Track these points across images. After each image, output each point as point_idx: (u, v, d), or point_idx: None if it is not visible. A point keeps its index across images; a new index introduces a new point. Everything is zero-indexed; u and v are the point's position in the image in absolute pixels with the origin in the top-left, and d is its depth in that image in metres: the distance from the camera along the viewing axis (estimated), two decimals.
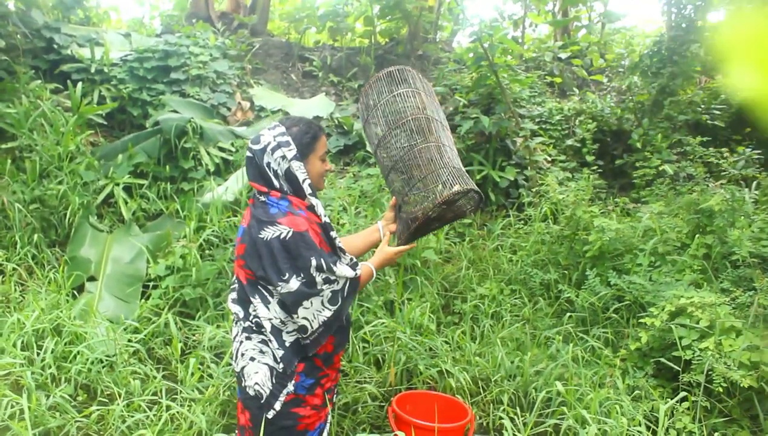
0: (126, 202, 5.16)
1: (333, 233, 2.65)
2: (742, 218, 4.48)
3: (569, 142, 6.86)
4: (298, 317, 2.47)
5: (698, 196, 4.86)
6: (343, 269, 2.52)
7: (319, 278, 2.46)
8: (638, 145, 6.62)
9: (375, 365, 3.91)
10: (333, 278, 2.49)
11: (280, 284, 2.45)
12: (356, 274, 2.56)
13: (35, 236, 4.66)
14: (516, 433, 3.00)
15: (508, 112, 6.24)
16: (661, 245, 4.49)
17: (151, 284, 4.63)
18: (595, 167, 6.08)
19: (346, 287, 2.55)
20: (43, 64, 6.33)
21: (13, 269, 4.41)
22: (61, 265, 4.52)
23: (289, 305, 2.46)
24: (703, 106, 6.97)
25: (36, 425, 3.13)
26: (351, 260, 2.63)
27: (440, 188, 2.57)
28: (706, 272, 4.28)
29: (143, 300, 4.46)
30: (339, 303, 2.53)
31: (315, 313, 2.48)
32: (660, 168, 5.99)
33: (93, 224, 5.00)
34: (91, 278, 4.59)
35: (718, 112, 6.90)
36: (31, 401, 3.14)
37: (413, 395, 3.31)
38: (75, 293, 4.43)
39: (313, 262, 2.44)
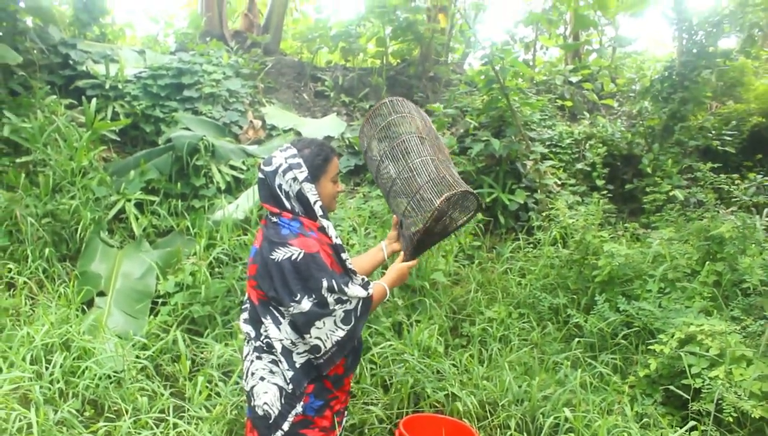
0: (137, 219, 5.19)
1: (344, 255, 2.66)
2: (753, 245, 4.46)
3: (579, 166, 6.87)
4: (311, 337, 2.48)
5: (708, 222, 4.85)
6: (355, 290, 2.53)
7: (330, 299, 2.47)
8: (648, 170, 6.61)
9: (382, 387, 3.90)
10: (345, 298, 2.50)
11: (291, 304, 2.46)
12: (368, 293, 2.56)
13: (47, 250, 4.69)
14: None
15: (519, 135, 6.26)
16: (671, 271, 4.48)
17: (160, 300, 4.64)
18: (605, 192, 6.08)
19: (359, 307, 2.55)
20: (59, 79, 6.40)
21: (24, 282, 4.43)
22: (72, 279, 4.54)
23: (302, 325, 2.47)
24: (714, 131, 6.96)
25: None
26: (363, 280, 2.63)
27: (436, 198, 2.67)
28: (716, 299, 4.26)
29: (152, 316, 4.47)
30: (352, 323, 2.54)
31: (328, 333, 2.48)
32: (670, 193, 5.99)
33: (104, 240, 5.03)
34: (101, 293, 4.61)
35: (729, 137, 6.89)
36: (39, 416, 3.15)
37: (420, 418, 3.29)
38: (84, 307, 4.45)
39: (324, 283, 2.45)
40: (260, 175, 2.61)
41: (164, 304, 4.57)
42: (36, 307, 4.28)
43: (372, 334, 4.13)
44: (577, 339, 4.32)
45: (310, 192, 2.56)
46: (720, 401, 3.36)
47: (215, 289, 4.45)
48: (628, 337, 4.26)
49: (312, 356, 2.56)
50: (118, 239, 5.21)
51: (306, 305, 2.45)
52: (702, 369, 3.59)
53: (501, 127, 6.45)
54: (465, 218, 2.94)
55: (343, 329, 2.52)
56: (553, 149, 7.00)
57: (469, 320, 4.75)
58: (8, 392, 3.40)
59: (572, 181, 6.55)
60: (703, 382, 3.51)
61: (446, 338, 4.50)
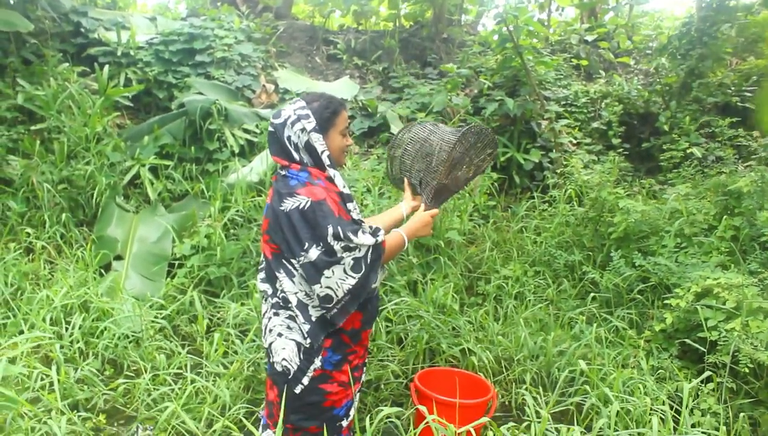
0: (152, 183, 5.22)
1: (351, 205, 2.64)
2: None
3: (595, 125, 6.79)
4: (321, 287, 2.47)
5: (726, 178, 4.79)
6: (363, 238, 2.50)
7: (337, 246, 2.45)
8: (665, 127, 6.52)
9: (398, 343, 3.92)
10: (353, 245, 2.48)
11: (301, 254, 2.46)
12: (377, 240, 2.54)
13: (63, 216, 4.73)
14: (538, 410, 2.99)
15: (533, 94, 6.19)
16: (687, 226, 4.44)
17: (176, 263, 4.68)
18: (620, 150, 6.01)
19: (369, 255, 2.53)
20: (71, 47, 6.39)
21: (42, 247, 4.48)
22: (89, 244, 4.58)
23: (311, 275, 2.47)
24: (733, 88, 6.84)
25: (65, 397, 3.19)
26: (372, 227, 2.61)
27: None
28: (733, 254, 4.21)
29: (169, 279, 4.51)
30: (363, 271, 2.52)
31: (338, 281, 2.48)
32: (688, 151, 5.91)
33: (120, 204, 5.06)
34: (118, 257, 4.66)
35: (749, 94, 6.76)
36: (60, 374, 3.20)
37: (435, 372, 3.31)
38: (102, 271, 4.50)
39: (330, 230, 2.43)
40: (270, 128, 2.61)
41: (180, 266, 4.60)
42: (54, 271, 4.32)
43: (387, 292, 4.14)
44: (592, 295, 4.30)
45: (318, 142, 2.55)
46: (736, 353, 3.34)
47: (230, 250, 4.47)
48: (644, 292, 4.24)
49: (324, 308, 2.56)
50: (133, 203, 5.24)
51: (314, 253, 2.45)
52: (718, 322, 3.56)
53: (515, 87, 6.38)
54: (488, 153, 2.93)
55: (354, 277, 2.51)
56: (569, 109, 6.92)
57: (484, 279, 4.75)
58: (29, 351, 3.45)
59: (588, 140, 6.49)
60: (719, 335, 3.49)
61: (461, 296, 4.50)
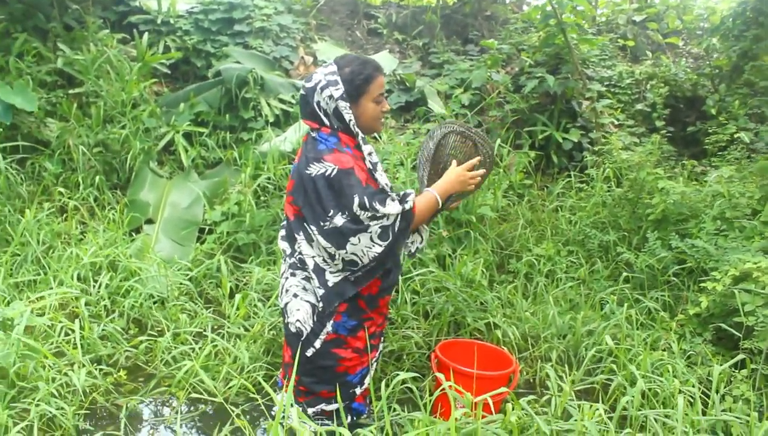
0: (186, 150, 5.24)
1: (378, 174, 2.59)
2: None
3: (639, 106, 6.60)
4: (347, 253, 2.44)
5: None
6: (390, 207, 2.45)
7: (363, 216, 2.42)
8: (713, 111, 6.31)
9: (423, 316, 3.87)
10: (379, 214, 2.44)
11: (327, 220, 2.43)
12: (405, 207, 2.48)
13: (97, 178, 4.78)
14: (560, 384, 2.91)
15: (575, 73, 6.04)
16: (729, 210, 4.28)
17: (206, 229, 4.70)
18: (663, 132, 5.83)
19: (397, 222, 2.48)
20: (112, 15, 6.44)
21: (75, 207, 4.52)
22: (121, 206, 4.62)
23: (337, 240, 2.43)
24: None
25: (88, 352, 3.22)
26: (401, 194, 2.55)
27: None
28: None
29: (198, 244, 4.53)
30: (390, 239, 2.47)
31: (364, 249, 2.43)
32: (735, 135, 5.71)
33: (153, 169, 5.10)
34: (149, 221, 4.69)
35: None
36: (84, 329, 3.23)
37: (458, 343, 3.25)
38: (133, 234, 4.54)
39: (356, 200, 2.39)
40: (302, 91, 2.58)
41: (210, 232, 4.62)
42: (86, 232, 4.37)
43: (415, 264, 4.09)
44: (624, 275, 4.18)
45: (345, 110, 2.50)
46: None
47: (260, 218, 4.47)
48: (679, 275, 4.11)
49: (348, 271, 2.53)
50: (167, 169, 5.27)
51: (339, 220, 2.41)
52: (756, 307, 3.43)
53: (557, 65, 6.22)
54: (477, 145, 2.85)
55: (381, 245, 2.47)
56: (612, 89, 6.74)
57: (515, 257, 4.66)
58: (57, 307, 3.49)
59: (630, 122, 6.31)
60: (756, 320, 3.36)
61: (491, 273, 4.42)
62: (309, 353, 2.62)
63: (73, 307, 3.60)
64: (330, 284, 2.54)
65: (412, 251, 2.82)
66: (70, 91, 5.33)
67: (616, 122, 6.30)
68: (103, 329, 3.39)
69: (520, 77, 6.37)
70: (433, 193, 2.63)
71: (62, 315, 3.43)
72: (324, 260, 2.53)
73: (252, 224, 4.44)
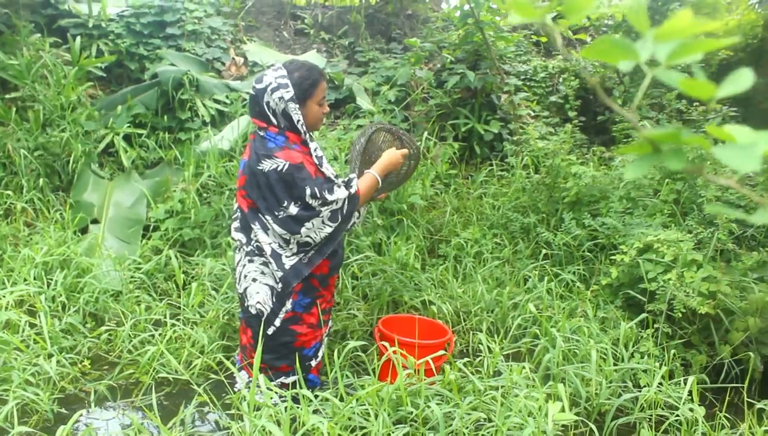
0: (126, 151, 5.38)
1: (325, 166, 2.91)
2: (709, 163, 4.73)
3: (553, 98, 7.09)
4: (301, 236, 2.76)
5: None
6: (337, 193, 2.78)
7: (315, 203, 2.73)
8: (619, 101, 6.84)
9: (363, 298, 4.19)
10: (329, 201, 2.76)
11: (280, 209, 2.73)
12: (351, 192, 2.82)
13: (40, 181, 4.88)
14: (490, 347, 3.28)
15: (493, 68, 6.46)
16: (634, 190, 4.76)
17: (151, 226, 4.87)
18: (575, 122, 6.32)
19: (345, 205, 2.81)
20: (41, 18, 6.46)
21: (22, 209, 4.63)
22: (67, 207, 4.75)
23: (292, 226, 2.74)
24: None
25: (52, 344, 3.40)
26: (345, 180, 2.89)
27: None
28: (675, 215, 4.56)
29: (144, 241, 4.71)
30: (339, 220, 2.81)
31: (317, 230, 2.77)
32: (639, 123, 6.23)
33: (95, 171, 5.23)
34: (95, 221, 4.83)
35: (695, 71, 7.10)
36: (46, 323, 3.41)
37: (398, 318, 3.59)
38: (79, 234, 4.67)
39: (308, 191, 2.71)
40: (251, 92, 2.84)
41: (155, 230, 4.80)
42: (33, 233, 4.49)
43: (353, 251, 4.40)
44: (544, 253, 4.61)
45: (294, 111, 2.78)
46: (671, 301, 3.68)
47: (204, 214, 4.68)
48: (593, 251, 4.56)
49: (302, 252, 2.84)
50: (108, 171, 5.40)
51: (293, 209, 2.72)
52: (657, 274, 3.90)
53: (476, 61, 6.63)
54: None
55: (331, 226, 2.81)
56: (528, 83, 7.20)
57: (445, 242, 5.03)
58: (14, 305, 3.64)
59: (546, 113, 6.78)
60: (657, 285, 3.82)
61: (423, 257, 4.78)
62: (270, 331, 2.91)
63: (29, 305, 3.75)
64: (287, 266, 2.84)
65: (349, 226, 3.16)
66: (6, 96, 5.39)
67: (533, 114, 6.76)
68: (63, 323, 3.57)
69: (442, 73, 6.75)
70: (373, 173, 2.98)
71: (21, 312, 3.58)
72: (280, 245, 2.83)
73: (197, 220, 4.65)
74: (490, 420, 2.68)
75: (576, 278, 4.39)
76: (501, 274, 4.58)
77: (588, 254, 4.56)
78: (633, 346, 3.64)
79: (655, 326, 3.75)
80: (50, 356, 3.19)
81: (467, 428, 2.56)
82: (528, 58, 7.67)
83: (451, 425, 2.62)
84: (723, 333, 3.86)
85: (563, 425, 3.00)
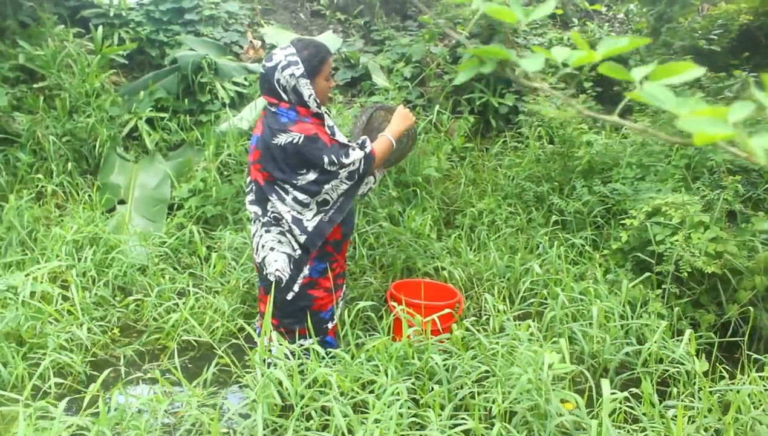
0: (149, 134, 5.58)
1: (338, 135, 3.06)
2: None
3: (568, 70, 7.12)
4: (320, 196, 2.93)
5: None
6: (353, 155, 2.94)
7: (332, 169, 2.89)
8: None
9: (379, 267, 4.34)
10: (347, 163, 2.91)
11: (299, 178, 2.88)
12: (366, 151, 2.96)
13: (69, 165, 5.09)
14: (496, 305, 3.41)
15: (507, 42, 6.52)
16: (645, 157, 4.82)
17: (175, 205, 5.07)
18: (590, 92, 6.36)
19: (361, 165, 2.96)
20: (64, 10, 6.67)
21: (53, 191, 4.85)
22: (94, 190, 4.97)
23: (313, 189, 2.90)
24: (701, 32, 7.15)
25: (84, 314, 3.61)
26: (359, 142, 3.04)
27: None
28: (686, 180, 4.61)
29: (169, 219, 4.91)
30: (356, 179, 2.97)
31: (335, 188, 2.93)
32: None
33: (120, 154, 5.43)
34: (121, 202, 5.04)
35: (715, 37, 7.08)
36: (78, 295, 3.61)
37: (409, 282, 3.73)
38: (106, 215, 4.88)
39: (326, 159, 2.87)
40: (262, 70, 2.98)
41: (179, 208, 5.00)
42: (64, 214, 4.71)
43: (369, 221, 4.54)
44: (554, 219, 4.70)
45: (306, 87, 2.92)
46: (678, 262, 3.76)
47: (225, 191, 4.86)
48: (604, 217, 4.64)
49: (322, 212, 2.99)
50: (133, 154, 5.60)
51: (312, 175, 2.88)
52: (666, 236, 3.98)
53: (490, 35, 6.70)
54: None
55: (347, 184, 2.97)
56: None
57: (461, 213, 5.14)
58: (48, 279, 3.86)
59: (561, 85, 6.83)
60: (665, 247, 3.91)
61: (439, 227, 4.90)
62: (289, 296, 3.08)
63: (62, 280, 3.96)
64: (310, 228, 3.00)
65: (365, 191, 3.31)
66: (34, 86, 5.61)
67: (548, 85, 6.80)
68: (93, 294, 3.78)
69: (456, 49, 6.84)
70: (386, 135, 3.12)
71: (55, 286, 3.79)
72: (298, 212, 2.98)
73: (218, 197, 4.83)
74: (494, 374, 2.81)
75: (588, 243, 4.48)
76: (515, 242, 4.68)
77: (599, 220, 4.64)
78: (641, 307, 3.74)
79: (663, 287, 3.84)
80: (82, 325, 3.39)
81: (470, 379, 2.69)
82: (544, 31, 7.70)
83: (455, 378, 2.76)
84: (731, 293, 3.93)
85: (570, 381, 3.12)
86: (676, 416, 2.38)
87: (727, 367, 3.23)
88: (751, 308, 3.64)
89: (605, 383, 2.26)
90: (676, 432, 2.34)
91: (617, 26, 8.44)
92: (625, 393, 2.72)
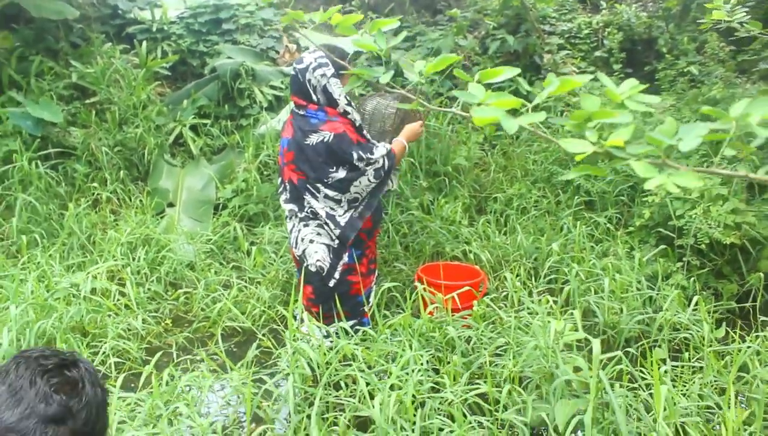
0: (194, 140, 5.92)
1: (364, 132, 3.33)
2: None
3: (598, 53, 7.22)
4: (351, 194, 3.21)
5: (709, 89, 5.23)
6: (378, 151, 3.21)
7: (361, 165, 3.16)
8: (664, 49, 6.91)
9: (413, 255, 4.58)
10: (372, 160, 3.18)
11: (330, 175, 3.15)
12: (388, 148, 3.24)
13: (121, 173, 5.47)
14: (516, 284, 3.60)
15: (534, 30, 6.66)
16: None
17: (220, 205, 5.39)
18: (618, 74, 6.45)
19: (385, 163, 3.22)
20: (111, 29, 7.08)
21: (108, 198, 5.22)
22: (145, 194, 5.33)
23: (343, 187, 3.18)
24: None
25: (139, 308, 3.95)
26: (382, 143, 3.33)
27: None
28: (708, 156, 4.70)
29: (214, 218, 5.23)
30: (382, 176, 3.25)
31: (364, 187, 3.22)
32: (685, 69, 6.32)
33: (167, 161, 5.79)
34: (170, 205, 5.39)
35: (746, 11, 7.05)
36: (133, 290, 3.95)
37: (436, 265, 3.95)
38: (157, 217, 5.24)
39: (355, 155, 3.14)
40: (293, 71, 3.25)
41: (224, 208, 5.32)
42: (118, 219, 5.08)
43: (402, 211, 4.78)
44: (578, 199, 4.84)
45: (336, 86, 3.18)
46: (697, 234, 3.89)
47: (265, 190, 5.16)
48: (630, 194, 4.77)
49: (353, 208, 3.26)
50: (179, 159, 5.96)
51: (341, 173, 3.15)
52: (686, 211, 4.11)
53: (518, 24, 6.85)
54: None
55: (374, 182, 3.24)
56: (572, 41, 7.35)
57: (492, 199, 5.30)
58: (106, 279, 4.21)
59: (591, 68, 6.93)
60: (685, 222, 4.03)
61: (470, 214, 5.10)
62: (331, 284, 3.35)
63: (118, 278, 4.32)
64: (343, 223, 3.27)
65: (389, 188, 3.56)
66: (87, 102, 6.01)
67: (577, 70, 6.92)
68: (147, 289, 4.12)
69: (486, 40, 7.01)
70: (401, 140, 3.40)
71: (112, 283, 4.15)
72: (331, 208, 3.25)
73: (259, 196, 5.14)
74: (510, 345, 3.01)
75: (612, 222, 4.62)
76: (543, 224, 4.85)
77: (624, 198, 4.77)
78: (664, 280, 3.87)
79: (684, 259, 3.97)
80: (137, 316, 3.73)
81: (486, 349, 2.91)
82: (573, 16, 7.79)
83: (473, 349, 2.99)
84: (753, 263, 4.04)
85: (588, 351, 3.30)
86: (675, 377, 2.55)
87: (746, 334, 3.34)
88: None
89: (596, 343, 2.44)
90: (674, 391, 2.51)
91: (651, 4, 8.45)
92: (625, 354, 2.89)
